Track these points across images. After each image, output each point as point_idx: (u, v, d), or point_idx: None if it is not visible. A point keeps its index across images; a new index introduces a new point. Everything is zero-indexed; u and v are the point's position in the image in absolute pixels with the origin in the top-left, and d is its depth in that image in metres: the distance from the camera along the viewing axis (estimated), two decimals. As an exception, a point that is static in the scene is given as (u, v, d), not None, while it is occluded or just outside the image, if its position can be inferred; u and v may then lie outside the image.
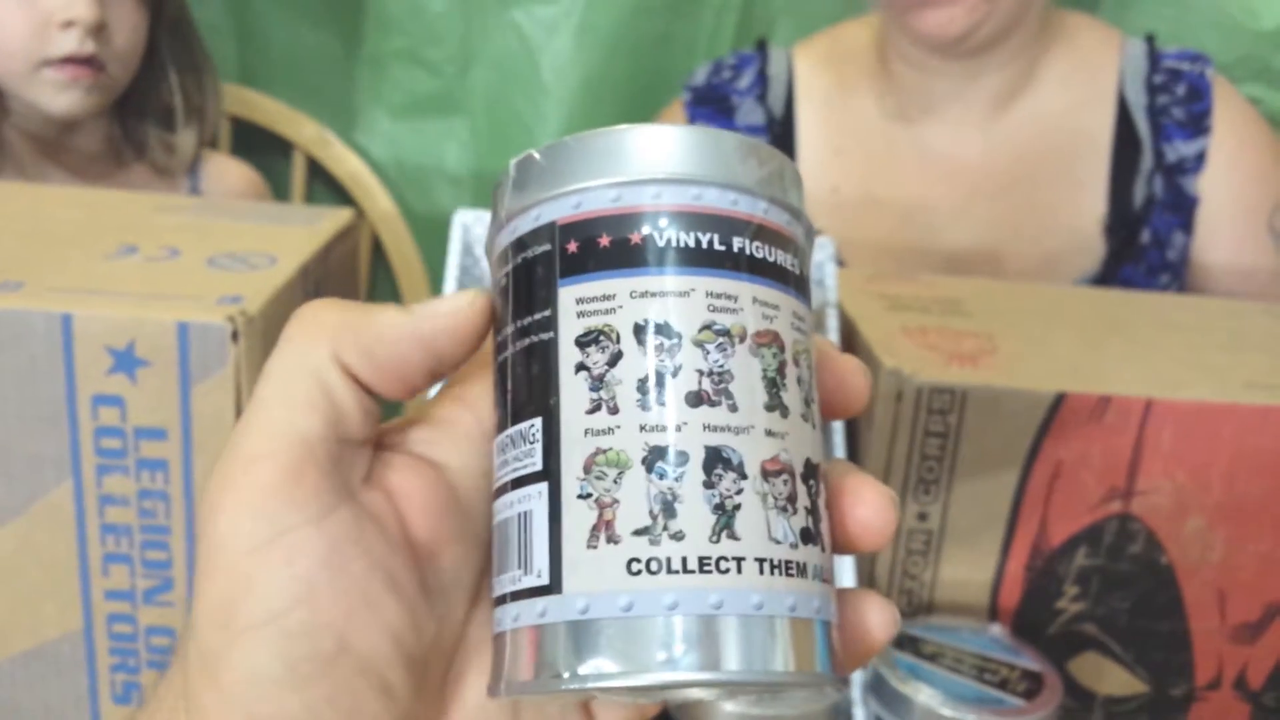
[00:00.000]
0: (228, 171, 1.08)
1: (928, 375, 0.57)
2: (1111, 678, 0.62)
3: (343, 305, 0.28)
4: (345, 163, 1.24)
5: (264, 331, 0.52)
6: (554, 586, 0.25)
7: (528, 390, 0.27)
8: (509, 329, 0.28)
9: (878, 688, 0.53)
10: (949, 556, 0.60)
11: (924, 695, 0.51)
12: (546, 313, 0.26)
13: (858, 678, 0.54)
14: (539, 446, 0.26)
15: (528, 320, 0.27)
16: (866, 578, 0.60)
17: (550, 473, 0.25)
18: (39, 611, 0.53)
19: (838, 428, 0.60)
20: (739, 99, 1.02)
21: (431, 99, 1.22)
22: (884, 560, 0.60)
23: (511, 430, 0.27)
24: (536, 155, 0.28)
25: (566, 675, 0.24)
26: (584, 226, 0.26)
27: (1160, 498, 0.59)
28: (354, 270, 0.76)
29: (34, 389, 0.51)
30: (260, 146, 1.24)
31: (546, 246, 0.27)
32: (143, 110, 1.03)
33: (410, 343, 0.27)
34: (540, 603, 0.25)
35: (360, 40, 1.22)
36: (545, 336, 0.26)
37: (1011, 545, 0.60)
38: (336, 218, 0.69)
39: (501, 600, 0.26)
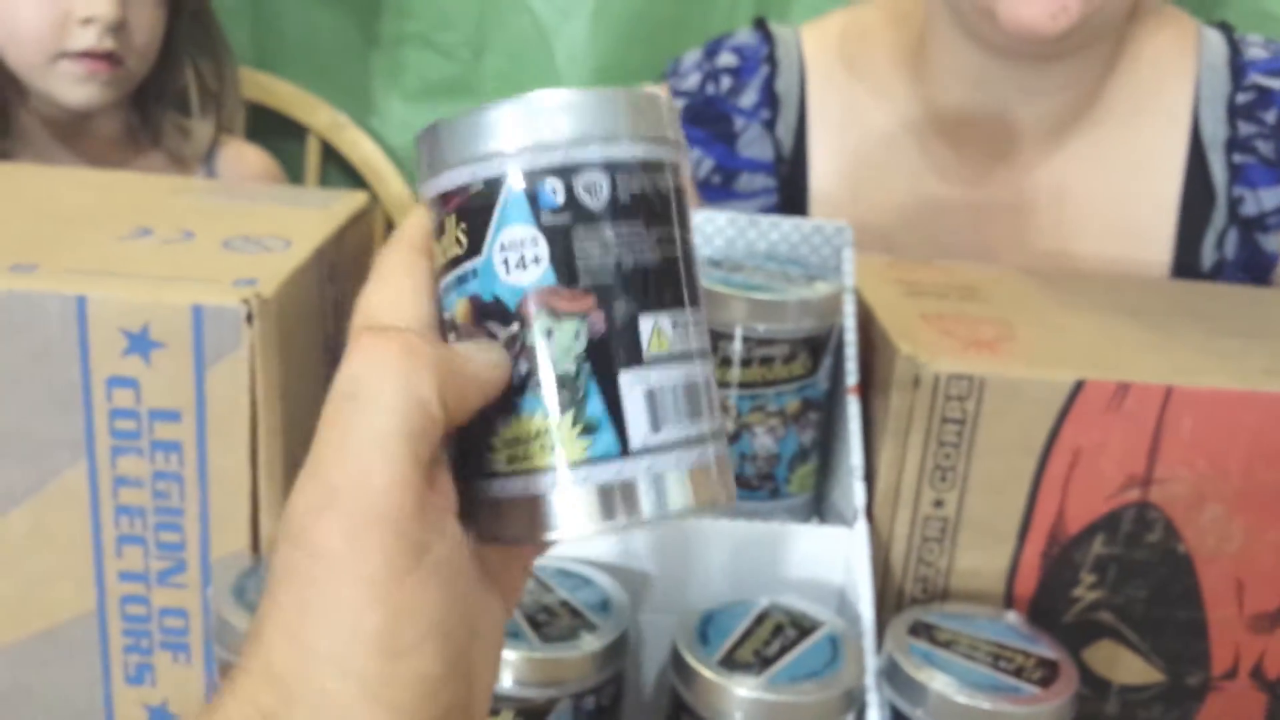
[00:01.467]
0: (244, 157, 1.08)
1: (945, 362, 0.57)
2: (1127, 666, 0.62)
3: (435, 343, 0.31)
4: (359, 147, 1.24)
5: (278, 314, 0.52)
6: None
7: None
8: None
9: (892, 674, 0.53)
10: (965, 544, 0.60)
11: (939, 682, 0.51)
12: None
13: (871, 664, 0.53)
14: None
15: None
16: (882, 564, 0.60)
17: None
18: (53, 593, 0.53)
19: (853, 415, 0.59)
20: (743, 122, 0.86)
21: (446, 84, 1.22)
22: (899, 547, 0.60)
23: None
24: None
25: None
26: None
27: (1179, 486, 0.58)
28: (368, 254, 0.76)
29: (49, 371, 0.51)
30: (275, 131, 1.24)
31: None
32: (160, 98, 1.03)
33: (492, 388, 0.31)
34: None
35: (375, 25, 1.22)
36: None
37: (1028, 533, 0.59)
38: (351, 201, 0.69)
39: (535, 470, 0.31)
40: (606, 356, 0.31)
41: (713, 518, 0.58)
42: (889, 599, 0.60)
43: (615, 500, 0.31)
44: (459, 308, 0.32)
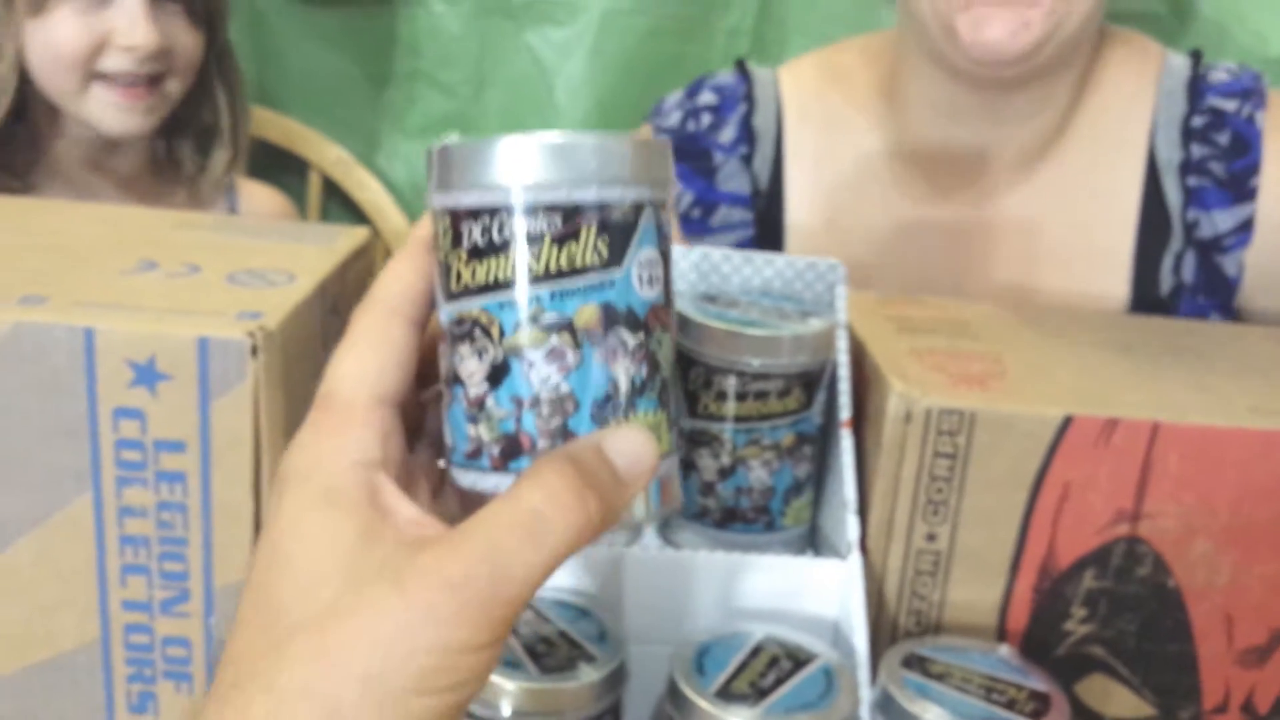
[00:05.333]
0: (263, 197, 1.10)
1: (936, 397, 0.58)
2: (1119, 700, 0.62)
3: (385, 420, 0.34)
4: (361, 183, 1.26)
5: (283, 347, 0.52)
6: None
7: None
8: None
9: (886, 707, 0.53)
10: (958, 577, 0.60)
11: (932, 715, 0.52)
12: None
13: (865, 697, 0.54)
14: None
15: None
16: (875, 597, 0.60)
17: None
18: (56, 622, 0.54)
19: (846, 449, 0.60)
20: (722, 156, 0.88)
21: (448, 120, 1.24)
22: (893, 580, 0.60)
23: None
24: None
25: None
26: None
27: (1167, 521, 0.59)
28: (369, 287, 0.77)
29: (56, 401, 0.52)
30: (277, 166, 1.26)
31: None
32: (184, 130, 1.05)
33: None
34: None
35: (378, 62, 1.24)
36: None
37: (1020, 566, 0.60)
38: (353, 236, 0.70)
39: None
40: (675, 377, 0.37)
41: (708, 551, 0.59)
42: (883, 631, 0.61)
43: (671, 488, 0.36)
44: (584, 312, 0.34)
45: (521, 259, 0.34)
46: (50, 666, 0.54)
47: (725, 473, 0.60)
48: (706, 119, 0.88)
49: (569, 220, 0.34)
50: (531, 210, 0.34)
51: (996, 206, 0.85)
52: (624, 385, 0.34)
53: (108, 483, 0.52)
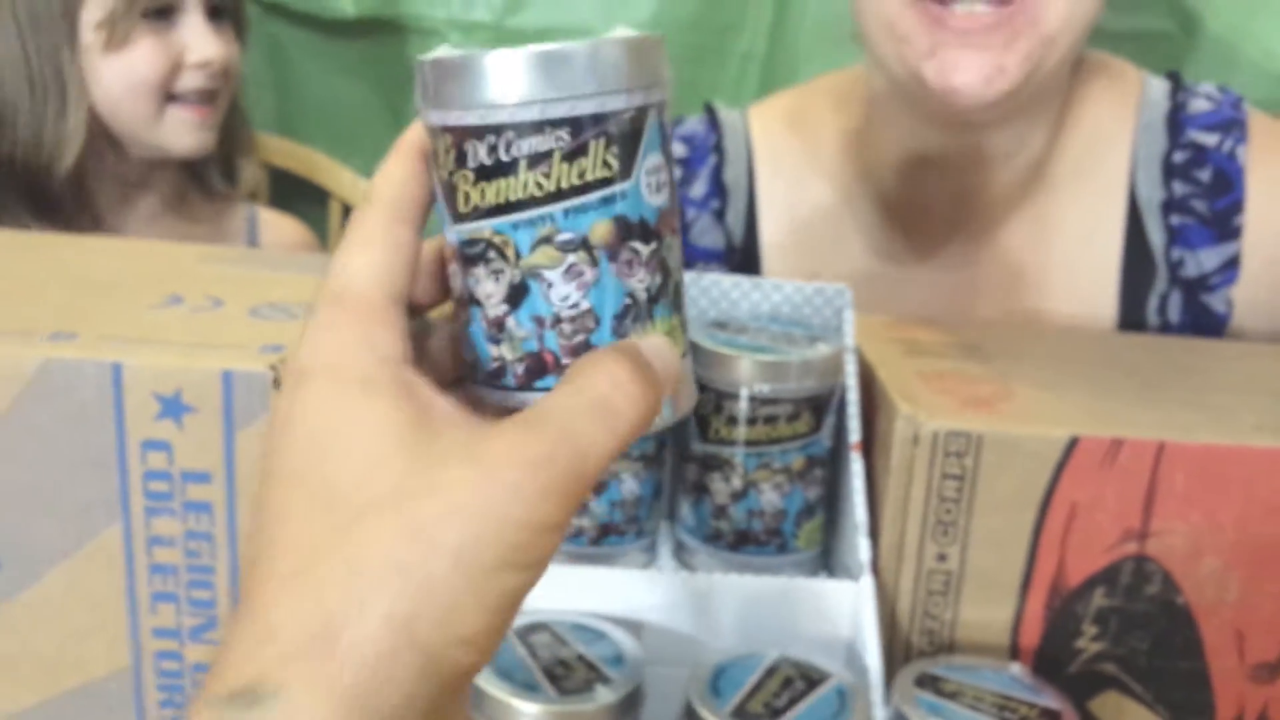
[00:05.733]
0: (281, 228, 1.11)
1: (943, 420, 0.59)
2: (1132, 717, 0.63)
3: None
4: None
5: (304, 379, 0.54)
6: None
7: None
8: None
9: (898, 725, 0.54)
10: (969, 597, 0.61)
11: (943, 733, 0.52)
12: None
13: (879, 716, 0.55)
14: None
15: None
16: (888, 617, 0.61)
17: None
18: (88, 649, 0.55)
19: (856, 472, 0.61)
20: (694, 213, 0.85)
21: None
22: (905, 600, 0.61)
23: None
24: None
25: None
26: None
27: (1175, 539, 0.60)
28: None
29: (85, 434, 0.54)
30: (297, 195, 1.28)
31: None
32: (218, 145, 1.07)
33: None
34: None
35: (394, 92, 1.26)
36: None
37: (1030, 586, 0.61)
38: (372, 267, 0.71)
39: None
40: (681, 269, 0.36)
41: (723, 573, 0.60)
42: (896, 651, 0.62)
43: (685, 390, 0.36)
44: (599, 228, 0.34)
45: (532, 178, 0.33)
46: (83, 693, 0.56)
47: (737, 496, 0.61)
48: (677, 172, 0.86)
49: (576, 135, 0.33)
50: (539, 128, 0.33)
51: (978, 252, 0.83)
52: (641, 296, 0.35)
53: (137, 513, 0.54)
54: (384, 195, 0.35)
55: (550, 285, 0.34)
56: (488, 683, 0.52)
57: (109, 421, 0.54)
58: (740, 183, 0.86)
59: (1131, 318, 0.82)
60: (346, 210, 1.28)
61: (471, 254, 0.35)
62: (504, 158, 0.33)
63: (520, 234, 0.34)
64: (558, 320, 0.34)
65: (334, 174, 1.27)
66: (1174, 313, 0.81)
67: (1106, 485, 0.59)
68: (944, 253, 0.83)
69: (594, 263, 0.34)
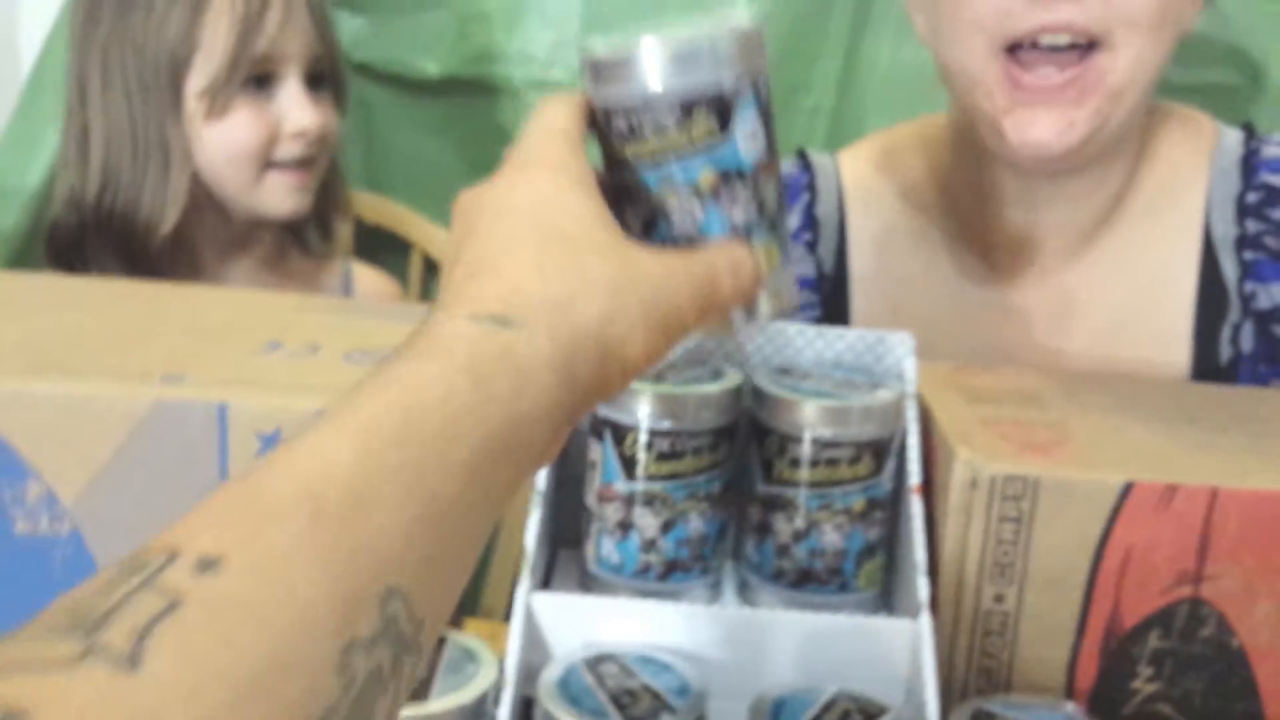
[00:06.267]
0: (372, 280, 1.16)
1: (1001, 465, 0.61)
2: (1190, 760, 0.64)
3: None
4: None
5: (393, 420, 0.58)
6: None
7: None
8: None
9: (954, 760, 0.56)
10: (1025, 637, 0.63)
11: (998, 767, 0.54)
12: None
13: (936, 751, 0.57)
14: None
15: None
16: (946, 655, 0.63)
17: None
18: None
19: (915, 514, 0.64)
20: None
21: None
22: (963, 639, 0.63)
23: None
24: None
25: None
26: None
27: (1229, 583, 0.61)
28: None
29: (192, 470, 0.58)
30: (383, 246, 1.33)
31: None
32: (316, 205, 1.11)
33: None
34: None
35: (472, 149, 1.31)
36: None
37: (1086, 627, 0.63)
38: (455, 316, 0.76)
39: None
40: (783, 205, 0.49)
41: (784, 610, 0.63)
42: (954, 688, 0.63)
43: (783, 295, 0.49)
44: (705, 176, 0.46)
45: (654, 141, 0.46)
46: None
47: (800, 536, 0.64)
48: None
49: (687, 107, 0.45)
50: (658, 105, 0.45)
51: (1055, 285, 0.88)
52: (740, 224, 0.47)
53: (238, 543, 0.58)
54: (557, 123, 0.46)
55: (671, 218, 0.47)
56: (558, 708, 0.55)
57: (214, 458, 0.58)
58: (831, 218, 0.93)
59: (1206, 348, 0.86)
60: (428, 261, 1.33)
61: (619, 195, 0.47)
62: (636, 126, 0.46)
63: (649, 180, 0.47)
64: (677, 242, 0.47)
65: (417, 226, 1.33)
66: (1246, 343, 0.85)
67: (1161, 529, 0.61)
68: (1023, 287, 0.88)
69: (702, 202, 0.46)
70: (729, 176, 0.46)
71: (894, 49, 1.20)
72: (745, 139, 0.46)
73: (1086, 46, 0.76)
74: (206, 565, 0.29)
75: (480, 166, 1.31)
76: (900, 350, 0.68)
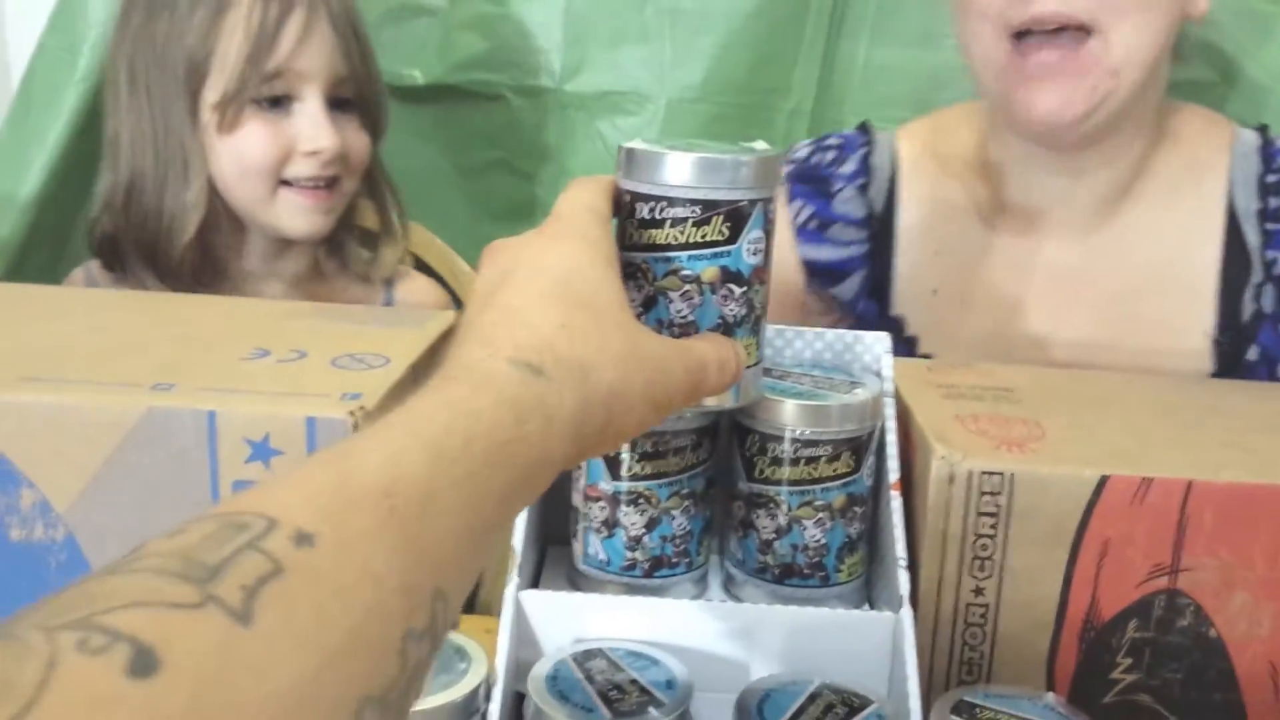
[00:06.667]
0: (419, 288, 1.15)
1: (977, 460, 0.62)
2: (1169, 748, 0.65)
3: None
4: (448, 263, 1.34)
5: (380, 424, 0.59)
6: None
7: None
8: None
9: (936, 750, 0.57)
10: (1005, 628, 0.64)
11: (978, 757, 0.55)
12: None
13: (918, 742, 0.58)
14: None
15: None
16: (927, 647, 0.64)
17: None
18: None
19: (895, 509, 0.65)
20: (841, 184, 1.02)
21: (528, 204, 1.31)
22: (943, 632, 0.64)
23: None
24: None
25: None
26: None
27: (1205, 574, 0.62)
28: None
29: (183, 476, 0.59)
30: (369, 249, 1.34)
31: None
32: (349, 227, 1.10)
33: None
34: None
35: (463, 154, 1.32)
36: None
37: (1064, 619, 0.64)
38: (442, 320, 0.77)
39: None
40: (766, 309, 0.55)
41: (768, 604, 0.64)
42: (935, 680, 0.65)
43: (750, 390, 0.56)
44: (708, 271, 0.52)
45: (671, 233, 0.52)
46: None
47: (782, 532, 0.65)
48: (830, 155, 1.05)
49: (705, 211, 0.51)
50: (681, 203, 0.51)
51: (1086, 243, 0.97)
52: (729, 319, 0.53)
53: (229, 547, 0.59)
54: (603, 182, 0.53)
55: (670, 301, 0.53)
56: (546, 704, 0.56)
57: (204, 464, 0.59)
58: (884, 169, 1.03)
59: (1230, 304, 0.95)
60: (417, 260, 1.34)
61: (626, 272, 0.52)
62: (657, 216, 0.52)
63: (658, 266, 0.53)
64: (671, 325, 0.53)
65: (407, 230, 1.33)
66: (1268, 303, 0.94)
67: (1137, 523, 0.62)
68: (1055, 243, 0.97)
69: (701, 293, 0.53)
70: (729, 276, 0.52)
71: (870, 51, 1.23)
72: (749, 248, 0.53)
73: (1081, 31, 0.84)
74: (303, 538, 0.32)
75: (466, 171, 1.33)
76: (878, 349, 0.70)
